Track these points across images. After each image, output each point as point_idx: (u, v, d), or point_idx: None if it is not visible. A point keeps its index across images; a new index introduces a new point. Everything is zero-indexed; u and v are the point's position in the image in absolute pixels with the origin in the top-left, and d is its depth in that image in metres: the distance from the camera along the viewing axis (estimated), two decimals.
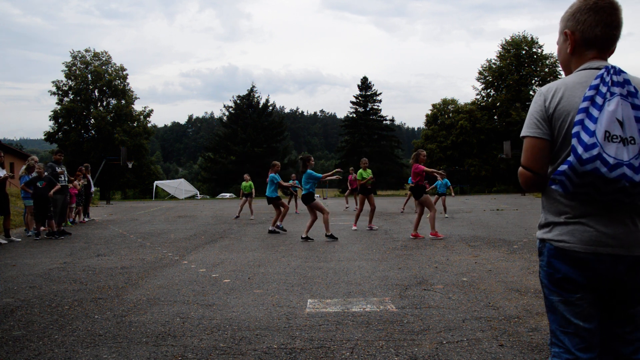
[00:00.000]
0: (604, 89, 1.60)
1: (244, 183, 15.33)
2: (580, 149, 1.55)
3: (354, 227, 11.01)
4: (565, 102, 1.69)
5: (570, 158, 1.58)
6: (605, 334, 1.74)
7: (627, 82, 1.61)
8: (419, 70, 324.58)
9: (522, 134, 1.76)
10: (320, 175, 9.42)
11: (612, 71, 1.63)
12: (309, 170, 9.22)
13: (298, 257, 7.28)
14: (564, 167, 1.60)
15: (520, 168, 1.76)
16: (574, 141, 1.58)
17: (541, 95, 1.75)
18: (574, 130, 1.59)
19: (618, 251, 1.64)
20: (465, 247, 8.00)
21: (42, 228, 10.28)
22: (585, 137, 1.56)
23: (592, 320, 1.70)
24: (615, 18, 1.73)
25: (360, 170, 11.29)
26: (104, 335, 3.64)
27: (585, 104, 1.60)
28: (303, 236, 9.18)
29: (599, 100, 1.59)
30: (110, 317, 4.13)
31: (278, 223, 10.66)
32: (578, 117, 1.60)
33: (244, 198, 15.23)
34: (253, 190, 15.37)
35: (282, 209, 10.72)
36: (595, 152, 1.53)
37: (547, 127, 1.71)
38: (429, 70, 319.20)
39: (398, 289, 5.03)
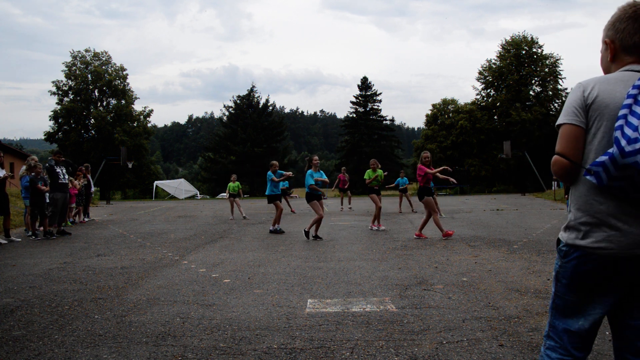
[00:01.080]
0: None
1: (230, 184, 15.36)
2: (623, 142, 1.59)
3: (381, 228, 10.88)
4: (605, 95, 1.74)
5: (612, 150, 1.61)
6: (621, 331, 1.77)
7: None
8: (419, 70, 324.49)
9: (559, 121, 1.80)
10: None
11: None
12: (308, 171, 9.58)
13: (298, 257, 7.28)
14: (603, 157, 1.64)
15: (555, 156, 1.78)
16: (618, 133, 1.61)
17: (580, 87, 1.80)
18: (618, 123, 1.63)
19: None
20: (465, 247, 8.00)
21: (40, 228, 10.29)
22: (628, 131, 1.60)
23: (595, 325, 1.76)
24: None
25: (369, 171, 11.15)
26: (104, 335, 3.64)
27: (629, 101, 1.65)
28: (313, 234, 9.37)
29: None
30: (110, 317, 4.13)
31: (276, 226, 10.68)
32: (622, 112, 1.65)
33: (231, 199, 15.25)
34: (240, 191, 15.40)
35: (277, 210, 10.75)
36: (638, 146, 1.57)
37: (585, 116, 1.76)
38: (429, 70, 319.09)
39: (398, 289, 5.03)
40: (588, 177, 1.69)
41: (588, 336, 1.76)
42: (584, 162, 1.75)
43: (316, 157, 9.91)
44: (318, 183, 9.87)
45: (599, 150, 1.71)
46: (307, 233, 9.38)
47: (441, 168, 9.83)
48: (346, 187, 18.27)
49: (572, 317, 1.77)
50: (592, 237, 1.72)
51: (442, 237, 9.17)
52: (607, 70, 1.90)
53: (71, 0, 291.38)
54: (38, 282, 5.64)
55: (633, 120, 1.62)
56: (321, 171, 9.81)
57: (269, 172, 10.92)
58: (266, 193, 11.04)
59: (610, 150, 1.63)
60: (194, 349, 3.33)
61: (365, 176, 11.26)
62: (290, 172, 11.25)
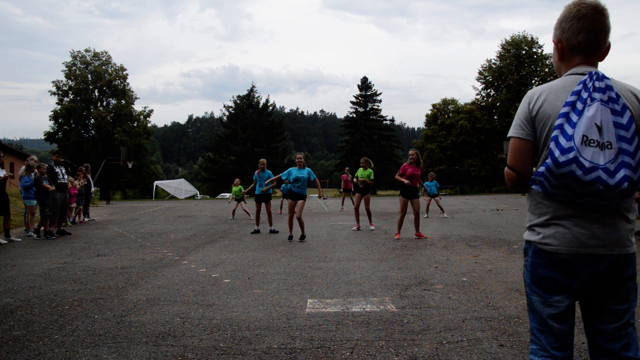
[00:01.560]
0: (585, 95, 1.66)
1: (234, 188, 15.37)
2: (557, 152, 1.62)
3: (355, 228, 10.97)
4: (547, 106, 1.75)
5: (548, 160, 1.65)
6: (592, 333, 1.79)
7: (609, 88, 1.66)
8: (419, 70, 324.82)
9: (508, 134, 1.84)
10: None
11: (594, 77, 1.68)
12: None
13: (298, 257, 7.27)
14: (542, 168, 1.68)
15: (506, 168, 1.84)
16: (552, 144, 1.65)
17: (527, 98, 1.82)
18: (553, 134, 1.66)
19: (599, 251, 1.69)
20: (465, 247, 8.00)
21: (41, 228, 10.29)
22: (563, 140, 1.63)
23: (566, 322, 1.77)
24: (598, 23, 1.76)
25: (360, 169, 11.10)
26: (104, 335, 3.64)
27: (566, 109, 1.67)
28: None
29: (579, 105, 1.65)
30: (110, 317, 4.13)
31: (270, 227, 10.69)
32: (558, 122, 1.67)
33: (235, 202, 15.28)
34: (244, 194, 15.44)
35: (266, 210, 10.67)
36: (571, 155, 1.60)
37: (531, 128, 1.78)
38: (429, 70, 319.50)
39: (398, 289, 5.03)
40: (534, 186, 1.74)
41: (563, 335, 1.75)
42: (535, 171, 1.79)
43: (300, 155, 9.47)
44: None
45: (544, 160, 1.73)
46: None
47: (407, 181, 9.02)
48: (349, 187, 18.23)
49: (542, 319, 1.78)
50: (541, 234, 1.77)
51: (394, 237, 9.24)
52: (558, 70, 1.91)
53: (71, 0, 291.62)
54: (38, 282, 5.64)
55: (568, 129, 1.63)
56: (307, 168, 9.27)
57: (255, 173, 10.66)
58: (255, 192, 10.70)
59: (547, 161, 1.66)
60: (194, 349, 3.33)
61: (357, 174, 11.18)
62: (274, 183, 10.47)
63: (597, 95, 1.64)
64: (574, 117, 1.64)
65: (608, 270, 1.70)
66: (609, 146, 1.61)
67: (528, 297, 1.84)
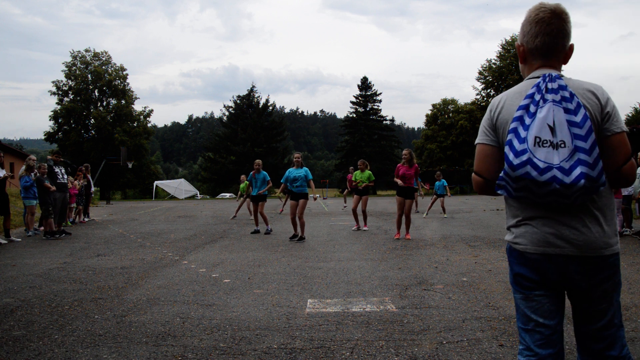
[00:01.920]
0: (537, 97, 1.68)
1: (242, 185, 15.43)
2: (511, 155, 1.65)
3: (356, 228, 10.98)
4: (505, 112, 1.78)
5: (505, 164, 1.67)
6: (578, 333, 1.81)
7: (562, 87, 1.67)
8: (419, 70, 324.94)
9: (476, 141, 1.87)
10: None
11: (547, 79, 1.69)
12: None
13: (298, 257, 7.27)
14: (502, 173, 1.70)
15: (473, 173, 1.86)
16: (507, 148, 1.68)
17: (490, 106, 1.87)
18: (508, 138, 1.69)
19: (568, 251, 1.70)
20: (465, 247, 8.00)
21: (41, 228, 10.29)
22: (516, 143, 1.65)
23: (552, 317, 1.75)
24: (554, 27, 1.77)
25: (357, 172, 11.09)
26: (104, 335, 3.64)
27: (519, 113, 1.69)
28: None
29: (532, 108, 1.67)
30: (110, 317, 4.13)
31: (255, 227, 10.70)
32: (512, 126, 1.69)
33: (241, 199, 15.31)
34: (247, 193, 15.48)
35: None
36: (525, 157, 1.62)
37: (494, 134, 1.82)
38: (429, 70, 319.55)
39: (398, 289, 5.03)
40: (499, 191, 1.76)
41: (548, 332, 1.74)
42: None
43: (297, 155, 9.49)
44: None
45: None
46: (295, 236, 9.31)
47: (399, 182, 9.23)
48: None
49: (525, 316, 1.78)
50: (514, 234, 1.81)
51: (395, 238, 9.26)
52: (522, 73, 1.93)
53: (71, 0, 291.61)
54: (38, 282, 5.64)
55: (521, 132, 1.65)
56: (304, 168, 9.29)
57: (250, 174, 10.66)
58: (252, 193, 10.73)
59: (504, 165, 1.68)
60: (194, 349, 3.33)
61: (354, 178, 11.16)
62: (270, 184, 10.70)
63: (549, 96, 1.66)
64: (527, 120, 1.66)
65: (579, 272, 1.70)
66: (562, 145, 1.61)
67: (515, 299, 1.86)
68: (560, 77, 1.70)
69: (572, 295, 1.77)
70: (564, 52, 1.81)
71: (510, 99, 1.79)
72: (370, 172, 11.06)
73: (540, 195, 1.65)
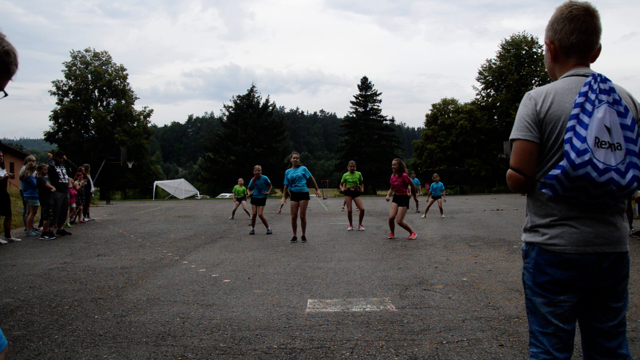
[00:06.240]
0: (592, 96, 1.66)
1: (236, 187, 15.36)
2: (573, 154, 1.61)
3: (349, 228, 10.98)
4: (556, 107, 1.73)
5: (563, 163, 1.63)
6: (590, 331, 1.80)
7: (612, 90, 1.68)
8: (421, 70, 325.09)
9: (512, 136, 1.79)
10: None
11: (598, 79, 1.69)
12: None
13: (298, 257, 7.27)
14: (556, 171, 1.66)
15: (510, 170, 1.80)
16: (567, 147, 1.63)
17: (531, 99, 1.78)
18: (567, 136, 1.65)
19: (604, 249, 1.71)
20: (465, 247, 8.00)
21: (40, 228, 10.29)
22: (577, 142, 1.62)
23: (571, 322, 1.77)
24: (589, 25, 1.76)
25: (346, 174, 11.08)
26: (104, 335, 3.64)
27: (576, 111, 1.66)
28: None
29: (588, 107, 1.65)
30: (110, 317, 4.13)
31: (252, 228, 10.77)
32: (570, 123, 1.66)
33: (237, 202, 15.28)
34: (246, 195, 15.47)
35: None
36: (587, 157, 1.60)
37: (538, 130, 1.75)
38: (431, 70, 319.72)
39: (398, 289, 5.03)
40: (544, 190, 1.71)
41: (566, 336, 1.76)
42: (541, 174, 1.77)
43: (295, 155, 9.46)
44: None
45: (555, 162, 1.73)
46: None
47: (387, 198, 9.89)
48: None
49: (545, 320, 1.77)
50: (547, 235, 1.76)
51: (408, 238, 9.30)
52: (551, 71, 1.91)
53: None
54: (38, 282, 5.64)
55: (581, 131, 1.63)
56: (301, 167, 9.21)
57: (251, 181, 10.73)
58: (253, 196, 10.78)
59: (561, 163, 1.64)
60: (194, 349, 3.33)
61: (342, 179, 11.17)
62: (270, 187, 10.97)
63: (603, 97, 1.65)
64: (584, 119, 1.63)
65: (610, 268, 1.72)
66: (619, 147, 1.63)
67: (529, 300, 1.83)
68: (608, 79, 1.70)
69: (598, 293, 1.76)
70: (594, 51, 1.81)
71: (560, 95, 1.73)
72: (359, 173, 11.09)
73: (594, 196, 1.64)
